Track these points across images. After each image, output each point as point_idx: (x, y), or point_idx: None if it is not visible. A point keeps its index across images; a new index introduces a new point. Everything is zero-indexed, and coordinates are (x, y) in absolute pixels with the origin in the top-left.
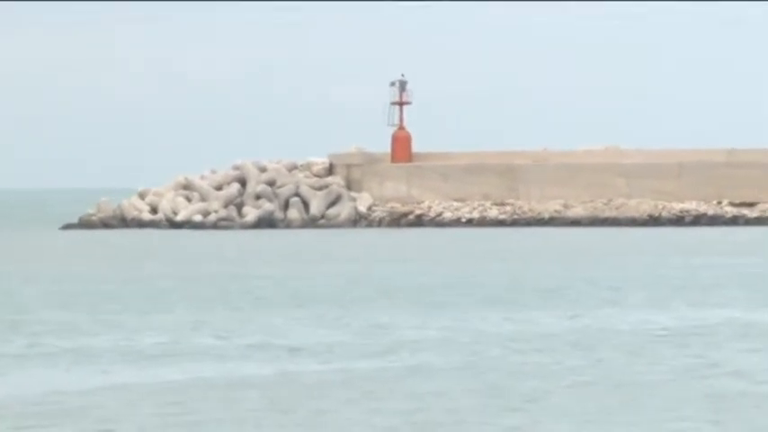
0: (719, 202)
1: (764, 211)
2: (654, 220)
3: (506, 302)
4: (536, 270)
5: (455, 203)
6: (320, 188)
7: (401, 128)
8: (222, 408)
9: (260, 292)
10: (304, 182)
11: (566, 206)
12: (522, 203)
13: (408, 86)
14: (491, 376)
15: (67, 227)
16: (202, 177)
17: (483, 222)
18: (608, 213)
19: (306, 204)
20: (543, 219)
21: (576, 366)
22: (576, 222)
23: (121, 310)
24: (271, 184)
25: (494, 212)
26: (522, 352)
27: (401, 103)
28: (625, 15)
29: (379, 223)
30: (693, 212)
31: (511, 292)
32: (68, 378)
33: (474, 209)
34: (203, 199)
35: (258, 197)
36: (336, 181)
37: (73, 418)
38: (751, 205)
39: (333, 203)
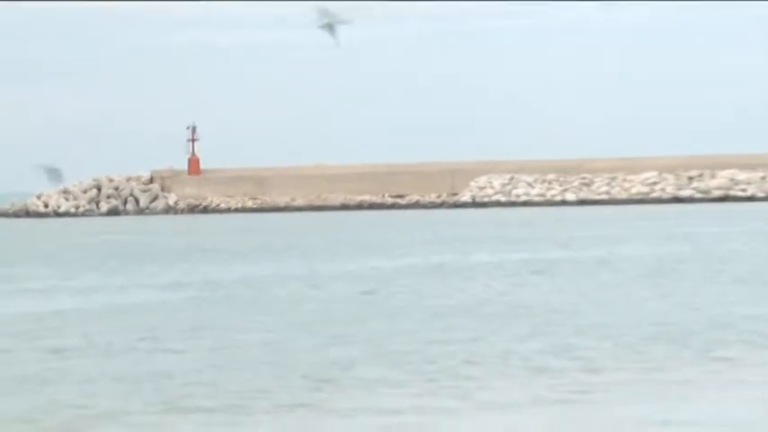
0: (383, 195)
1: (410, 200)
2: (345, 207)
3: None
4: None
5: (227, 199)
6: (145, 191)
7: (194, 155)
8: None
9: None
10: (136, 187)
11: (293, 199)
12: (267, 198)
13: (198, 129)
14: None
15: None
16: (74, 185)
17: (244, 210)
18: (320, 203)
19: (137, 200)
20: (280, 206)
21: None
22: (299, 209)
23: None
24: (116, 188)
25: (250, 204)
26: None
27: (193, 140)
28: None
29: (182, 212)
30: (368, 201)
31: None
32: None
33: (238, 202)
34: (75, 198)
35: (108, 197)
36: (155, 186)
37: None
38: (402, 197)
39: (153, 200)
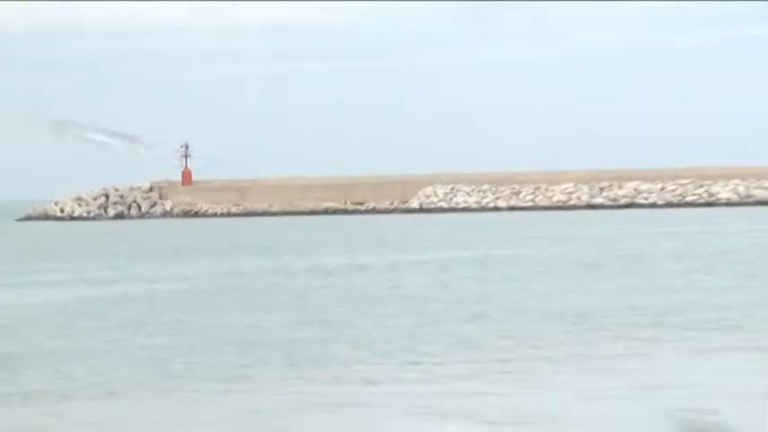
0: (345, 202)
1: (368, 206)
2: (313, 212)
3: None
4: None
5: (214, 205)
6: (146, 198)
7: (186, 168)
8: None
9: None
10: (138, 195)
11: (270, 206)
12: (248, 205)
13: (190, 147)
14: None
15: (19, 219)
16: (86, 193)
17: (229, 214)
18: (292, 209)
19: (139, 206)
20: (259, 212)
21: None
22: (275, 214)
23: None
24: (121, 196)
25: (234, 209)
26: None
27: (186, 156)
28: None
29: (177, 216)
30: (333, 208)
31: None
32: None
33: (224, 208)
34: (87, 204)
35: (115, 203)
36: (154, 194)
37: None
38: (361, 204)
39: (153, 206)
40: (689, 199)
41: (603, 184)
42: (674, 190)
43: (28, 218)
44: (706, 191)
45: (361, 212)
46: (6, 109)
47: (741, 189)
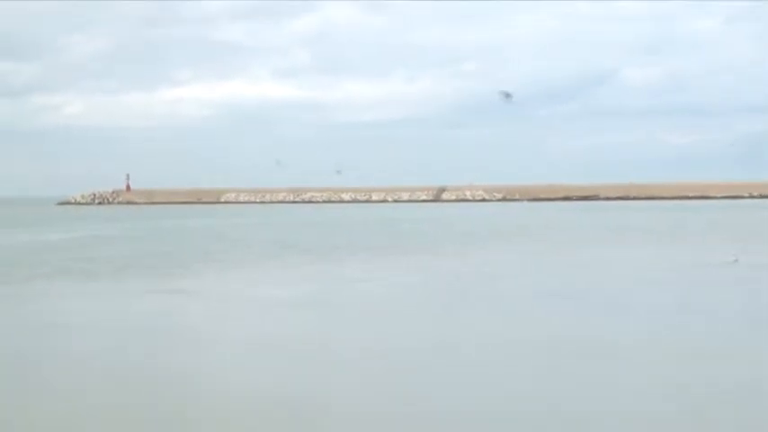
0: (197, 199)
1: (204, 200)
2: (185, 202)
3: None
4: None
5: (140, 200)
6: (111, 195)
7: (128, 184)
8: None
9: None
10: (108, 194)
11: (163, 200)
12: (155, 200)
13: (131, 175)
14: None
15: (56, 204)
16: (86, 193)
17: (146, 203)
18: (170, 201)
19: (108, 199)
20: (158, 202)
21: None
22: (165, 203)
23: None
24: (100, 194)
25: (147, 201)
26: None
27: (128, 178)
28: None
29: (123, 204)
30: (191, 201)
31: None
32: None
33: (144, 200)
34: (85, 198)
35: (98, 198)
36: (114, 194)
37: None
38: (201, 199)
39: (113, 199)
40: (332, 200)
41: (300, 191)
42: (333, 194)
43: (60, 203)
44: (338, 195)
45: (201, 203)
46: None
47: (358, 196)
